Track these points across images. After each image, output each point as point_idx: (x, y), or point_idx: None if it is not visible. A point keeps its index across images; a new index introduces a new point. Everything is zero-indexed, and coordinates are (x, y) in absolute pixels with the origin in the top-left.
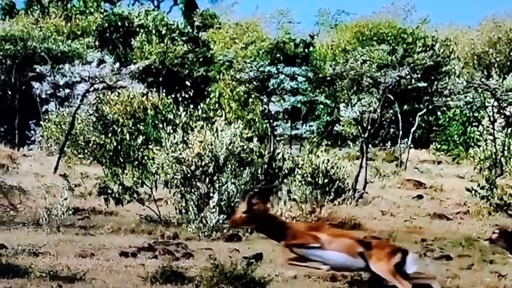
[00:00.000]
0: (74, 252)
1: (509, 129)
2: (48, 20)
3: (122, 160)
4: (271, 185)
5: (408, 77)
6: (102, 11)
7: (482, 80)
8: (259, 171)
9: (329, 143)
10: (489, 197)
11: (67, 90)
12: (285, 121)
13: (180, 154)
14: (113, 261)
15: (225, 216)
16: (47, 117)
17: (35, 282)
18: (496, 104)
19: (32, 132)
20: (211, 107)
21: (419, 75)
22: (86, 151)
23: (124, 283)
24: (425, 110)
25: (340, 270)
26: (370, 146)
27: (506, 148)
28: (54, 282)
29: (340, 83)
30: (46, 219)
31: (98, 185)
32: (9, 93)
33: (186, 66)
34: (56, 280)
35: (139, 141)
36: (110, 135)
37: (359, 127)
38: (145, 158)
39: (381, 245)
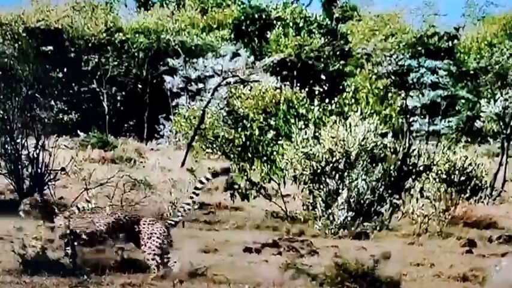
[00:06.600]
0: (197, 248)
1: None
2: (184, 12)
3: (250, 155)
4: None
5: None
6: (239, 3)
7: None
8: (392, 168)
9: (468, 139)
10: None
11: (199, 85)
12: (422, 116)
13: (311, 150)
14: (236, 257)
15: (354, 213)
16: (177, 111)
17: (156, 278)
18: None
19: (161, 126)
20: (347, 102)
21: None
22: (214, 146)
23: (246, 279)
24: None
25: None
26: (511, 142)
27: None
28: (176, 278)
29: (483, 77)
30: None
31: (225, 180)
32: (140, 86)
33: (322, 59)
34: (177, 275)
35: (269, 136)
36: (239, 130)
37: (501, 123)
38: (275, 153)
39: None
